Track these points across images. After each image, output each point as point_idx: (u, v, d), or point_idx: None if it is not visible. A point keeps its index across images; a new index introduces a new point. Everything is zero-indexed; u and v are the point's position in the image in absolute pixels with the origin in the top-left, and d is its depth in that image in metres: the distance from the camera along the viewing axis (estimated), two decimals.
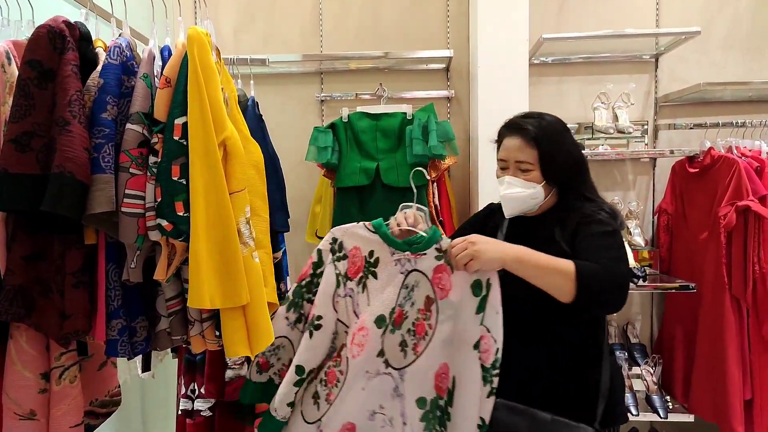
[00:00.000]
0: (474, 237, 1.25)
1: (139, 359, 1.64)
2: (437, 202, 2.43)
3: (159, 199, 1.06)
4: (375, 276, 1.31)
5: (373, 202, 2.32)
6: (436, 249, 1.29)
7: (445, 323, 1.27)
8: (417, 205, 1.38)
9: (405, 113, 2.35)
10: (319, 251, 1.36)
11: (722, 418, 2.11)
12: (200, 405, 1.66)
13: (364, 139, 2.35)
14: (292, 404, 1.34)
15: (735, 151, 2.20)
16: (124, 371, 1.82)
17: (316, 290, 1.34)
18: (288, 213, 1.93)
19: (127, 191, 1.07)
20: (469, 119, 2.64)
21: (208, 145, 1.03)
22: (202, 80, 1.06)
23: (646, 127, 2.54)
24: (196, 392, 1.67)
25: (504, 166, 1.43)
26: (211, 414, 1.68)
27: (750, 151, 2.22)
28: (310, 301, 1.34)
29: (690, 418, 2.29)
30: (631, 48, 2.57)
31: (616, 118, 2.48)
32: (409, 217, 1.34)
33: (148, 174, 1.08)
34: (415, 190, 1.46)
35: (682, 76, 2.54)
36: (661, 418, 2.26)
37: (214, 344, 1.16)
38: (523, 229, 1.47)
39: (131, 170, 1.07)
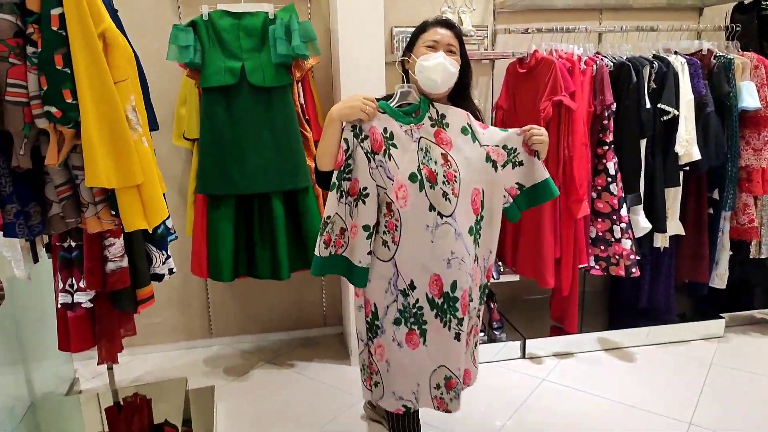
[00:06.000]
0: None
1: (15, 262, 1.68)
2: (302, 102, 2.56)
3: (45, 88, 1.09)
4: (395, 146, 1.63)
5: (240, 102, 2.39)
6: (429, 118, 1.67)
7: (461, 161, 1.65)
8: (407, 84, 1.70)
9: (267, 12, 2.40)
10: (346, 140, 1.62)
11: (539, 274, 2.65)
12: (80, 297, 1.73)
13: (227, 38, 2.37)
14: (371, 252, 1.67)
15: (554, 54, 2.59)
16: None
17: (351, 170, 1.63)
18: (154, 113, 1.96)
19: (9, 80, 1.09)
20: (329, 20, 2.74)
21: (87, 36, 1.07)
22: None
23: (486, 31, 2.84)
24: (75, 286, 1.74)
25: (434, 46, 1.68)
26: (92, 305, 1.77)
27: (566, 53, 2.61)
28: (348, 179, 1.64)
29: (516, 277, 2.83)
30: None
31: (461, 22, 2.73)
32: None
33: (28, 63, 1.10)
34: None
35: None
36: (494, 279, 2.76)
37: (109, 223, 1.25)
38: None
39: (10, 60, 1.09)
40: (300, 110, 2.52)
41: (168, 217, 2.25)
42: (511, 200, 1.76)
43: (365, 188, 1.63)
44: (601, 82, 2.57)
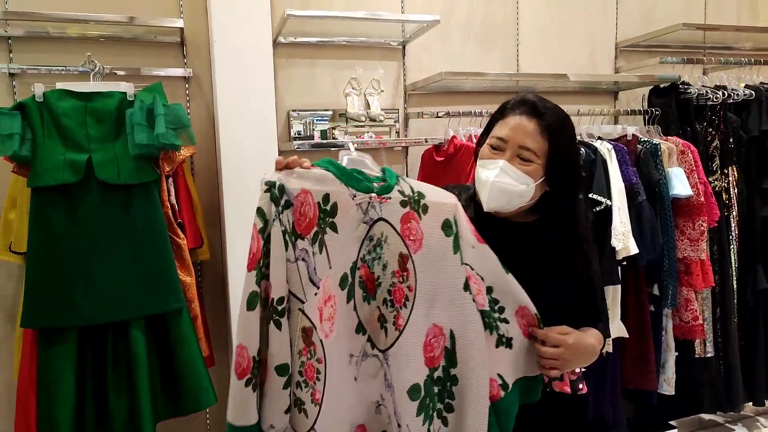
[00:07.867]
0: (570, 340, 1.11)
1: None
2: (174, 202, 2.05)
3: None
4: (334, 229, 1.00)
5: (86, 205, 1.84)
6: (400, 192, 1.06)
7: (425, 278, 1.06)
8: (356, 152, 1.11)
9: (125, 93, 1.91)
10: (260, 209, 0.96)
11: None
12: None
13: (68, 125, 1.85)
14: (289, 409, 1.00)
15: (474, 140, 2.28)
16: None
17: (268, 263, 0.96)
18: None
19: None
20: (213, 103, 2.30)
21: None
22: None
23: (397, 114, 2.51)
24: None
25: (500, 147, 1.15)
26: None
27: None
28: (267, 277, 0.96)
29: None
30: (381, 34, 2.51)
31: (368, 105, 2.39)
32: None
33: None
34: None
35: (428, 65, 2.56)
36: None
37: None
38: (500, 232, 1.20)
39: None
40: (171, 212, 2.00)
41: None
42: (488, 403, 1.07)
43: (280, 299, 0.95)
44: None
